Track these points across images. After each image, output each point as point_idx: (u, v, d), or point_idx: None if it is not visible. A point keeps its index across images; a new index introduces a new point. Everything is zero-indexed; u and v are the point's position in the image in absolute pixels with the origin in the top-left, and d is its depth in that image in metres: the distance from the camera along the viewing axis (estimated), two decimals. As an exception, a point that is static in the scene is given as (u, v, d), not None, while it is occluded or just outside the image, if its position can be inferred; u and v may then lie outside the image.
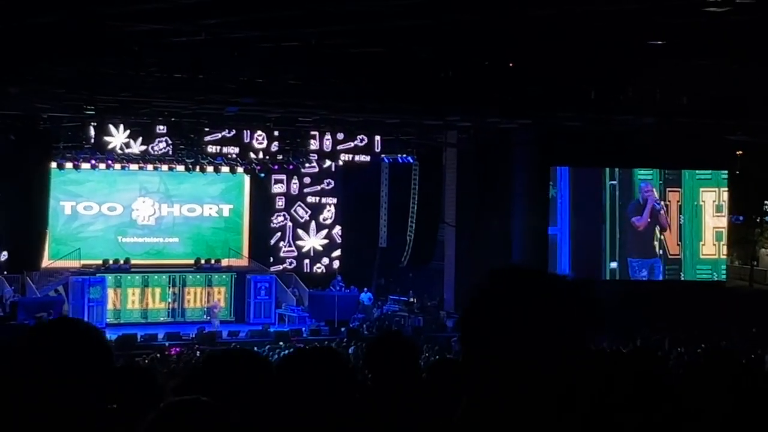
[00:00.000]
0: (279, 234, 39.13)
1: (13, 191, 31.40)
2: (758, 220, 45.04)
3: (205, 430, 2.68)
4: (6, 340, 3.42)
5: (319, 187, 39.33)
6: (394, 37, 21.39)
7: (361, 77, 24.73)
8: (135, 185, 37.36)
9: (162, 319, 35.63)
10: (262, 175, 37.90)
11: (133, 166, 35.59)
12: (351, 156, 34.91)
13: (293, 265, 38.93)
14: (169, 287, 36.06)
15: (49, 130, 31.17)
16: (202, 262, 36.67)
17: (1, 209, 31.89)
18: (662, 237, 35.52)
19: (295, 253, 39.17)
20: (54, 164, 33.14)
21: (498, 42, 22.28)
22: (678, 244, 35.62)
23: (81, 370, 2.77)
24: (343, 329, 33.18)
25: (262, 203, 38.94)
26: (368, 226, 39.48)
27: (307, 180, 39.06)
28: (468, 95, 26.02)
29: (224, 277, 36.90)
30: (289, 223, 39.20)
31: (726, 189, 35.87)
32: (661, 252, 35.50)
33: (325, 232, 39.55)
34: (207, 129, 32.52)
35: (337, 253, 39.58)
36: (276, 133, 33.27)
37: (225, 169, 36.43)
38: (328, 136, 34.02)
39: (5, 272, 33.24)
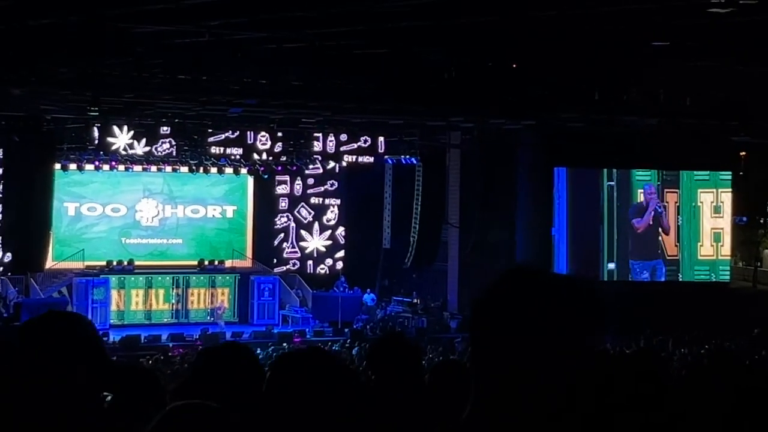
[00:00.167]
0: (282, 235, 39.12)
1: (17, 192, 31.42)
2: (762, 221, 44.96)
3: None
4: (9, 341, 3.41)
5: (322, 188, 39.32)
6: (397, 38, 21.38)
7: (364, 78, 24.73)
8: (138, 186, 37.39)
9: (166, 320, 35.69)
10: (266, 176, 37.90)
11: (137, 168, 35.60)
12: (354, 157, 34.91)
13: (296, 266, 38.91)
14: (173, 288, 36.10)
15: (53, 131, 31.19)
16: (206, 263, 36.69)
17: (4, 210, 31.93)
18: (660, 238, 35.49)
19: (299, 254, 39.16)
20: (58, 165, 33.15)
21: (501, 43, 22.27)
22: (676, 245, 35.61)
23: (71, 361, 2.75)
24: (346, 330, 33.21)
25: (265, 204, 38.95)
26: (372, 227, 39.48)
27: (310, 181, 39.05)
28: (471, 96, 26.01)
29: (228, 278, 36.94)
30: (293, 224, 39.19)
31: (725, 190, 35.84)
32: (659, 252, 35.50)
33: (328, 233, 39.54)
34: (210, 130, 32.56)
35: (340, 254, 39.57)
36: (279, 134, 33.31)
37: (228, 170, 36.44)
38: (331, 138, 34.04)
39: (9, 273, 33.27)
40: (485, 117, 30.63)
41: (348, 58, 23.16)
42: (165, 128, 31.78)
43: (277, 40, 21.72)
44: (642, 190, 35.32)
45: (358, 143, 34.49)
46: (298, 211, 39.19)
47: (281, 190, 38.94)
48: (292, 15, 18.82)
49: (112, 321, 33.93)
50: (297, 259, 39.11)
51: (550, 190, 34.39)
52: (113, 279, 34.71)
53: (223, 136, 32.77)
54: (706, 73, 24.52)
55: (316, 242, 39.38)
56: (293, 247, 39.17)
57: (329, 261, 39.45)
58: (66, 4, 18.03)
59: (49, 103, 27.75)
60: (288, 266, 38.78)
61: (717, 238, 35.93)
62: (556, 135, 32.15)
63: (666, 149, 32.40)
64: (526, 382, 2.14)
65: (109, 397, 4.19)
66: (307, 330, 33.66)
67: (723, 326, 29.85)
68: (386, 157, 36.69)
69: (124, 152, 31.62)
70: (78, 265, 35.28)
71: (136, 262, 35.81)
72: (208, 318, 35.72)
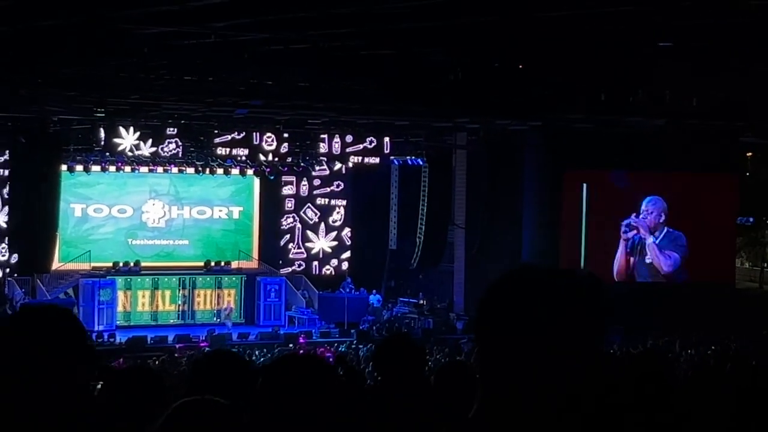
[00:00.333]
0: (288, 236, 39.13)
1: (24, 193, 31.45)
2: (768, 222, 44.91)
3: (216, 429, 2.69)
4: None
5: (328, 189, 39.31)
6: (403, 39, 21.37)
7: (369, 79, 24.73)
8: (145, 187, 37.41)
9: (172, 321, 35.71)
10: (272, 177, 37.91)
11: (143, 169, 35.62)
12: (360, 158, 34.90)
13: (302, 267, 38.92)
14: (179, 289, 36.12)
15: (59, 132, 31.20)
16: (212, 264, 36.71)
17: (11, 212, 31.99)
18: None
19: (304, 255, 39.16)
20: (64, 167, 33.17)
21: (507, 43, 22.25)
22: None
23: (51, 355, 2.73)
24: (352, 331, 33.20)
25: (271, 205, 38.95)
26: (378, 228, 39.48)
27: (316, 182, 39.06)
28: (477, 97, 26.01)
29: (234, 279, 36.95)
30: (299, 225, 39.19)
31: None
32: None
33: (334, 233, 39.54)
34: (216, 131, 32.57)
35: (346, 254, 39.57)
36: (285, 135, 33.31)
37: (235, 171, 36.46)
38: (337, 139, 34.03)
39: (16, 275, 33.33)
40: (491, 118, 30.62)
41: (354, 60, 23.15)
42: (171, 129, 31.79)
43: (282, 42, 21.71)
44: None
45: (364, 144, 34.48)
46: (304, 212, 39.19)
47: (287, 191, 38.95)
48: (297, 16, 18.82)
49: (118, 322, 33.97)
50: (302, 259, 39.11)
51: (556, 190, 34.34)
52: (120, 280, 34.74)
53: (229, 137, 32.78)
54: (713, 74, 24.48)
55: (322, 243, 39.38)
56: (299, 248, 39.18)
57: (335, 262, 39.45)
58: (71, 5, 18.04)
59: (56, 104, 27.78)
60: (294, 267, 38.78)
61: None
62: (562, 136, 32.10)
63: (675, 150, 32.32)
64: (532, 382, 2.14)
65: (99, 385, 4.19)
66: (313, 331, 33.66)
67: (729, 327, 29.81)
68: (392, 158, 36.68)
69: (130, 153, 31.64)
70: (84, 266, 35.31)
71: (143, 263, 35.83)
72: (215, 319, 35.72)
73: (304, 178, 38.84)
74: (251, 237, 39.22)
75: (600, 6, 18.31)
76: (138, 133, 31.07)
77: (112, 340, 31.30)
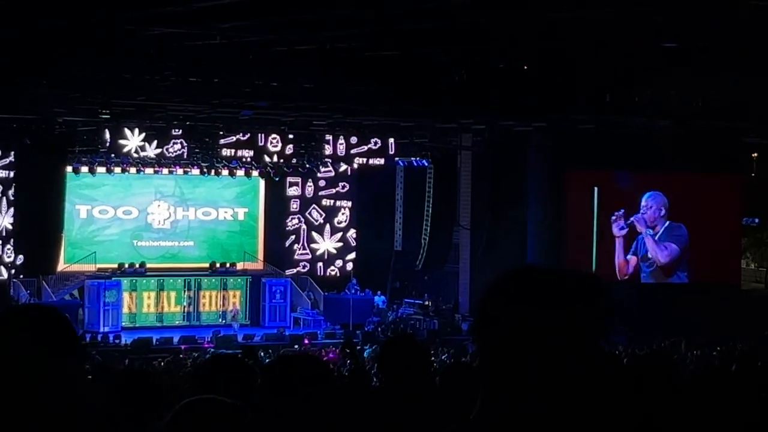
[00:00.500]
0: (293, 237, 39.14)
1: (29, 195, 31.51)
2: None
3: (222, 428, 2.69)
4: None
5: (333, 190, 39.32)
6: (408, 40, 21.38)
7: (374, 80, 24.72)
8: (150, 189, 37.43)
9: (177, 322, 35.73)
10: (277, 178, 37.92)
11: (149, 170, 35.64)
12: (365, 159, 34.91)
13: (307, 269, 38.91)
14: (185, 291, 36.15)
15: (65, 134, 31.26)
16: (217, 265, 36.73)
17: (17, 213, 32.03)
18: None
19: (310, 256, 39.17)
20: (69, 168, 33.24)
21: (512, 44, 22.24)
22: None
23: (40, 348, 2.71)
24: (358, 332, 33.19)
25: (276, 206, 38.95)
26: (383, 229, 39.47)
27: (321, 183, 39.06)
28: (482, 98, 26.00)
29: (239, 280, 36.96)
30: (304, 226, 39.20)
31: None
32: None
33: (339, 235, 39.54)
34: (222, 132, 32.61)
35: (351, 256, 39.56)
36: (290, 136, 33.35)
37: (240, 172, 36.48)
38: (342, 140, 34.03)
39: (21, 276, 33.35)
40: (496, 119, 30.62)
41: (359, 61, 23.17)
42: (176, 131, 31.82)
43: (288, 43, 21.74)
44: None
45: (369, 145, 34.48)
46: (310, 213, 39.20)
47: (292, 192, 38.96)
48: (302, 18, 18.83)
49: (123, 323, 34.01)
50: (307, 261, 39.11)
51: (560, 191, 34.31)
52: (125, 281, 34.78)
53: (234, 139, 32.82)
54: (718, 75, 24.46)
55: (327, 244, 39.38)
56: (304, 249, 39.18)
57: (340, 263, 39.45)
58: (77, 6, 18.07)
59: (61, 106, 27.80)
60: (299, 268, 38.79)
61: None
62: (566, 137, 32.07)
63: (681, 151, 32.25)
64: (533, 383, 2.14)
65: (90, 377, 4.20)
66: (318, 332, 33.66)
67: (735, 328, 29.76)
68: (397, 159, 36.68)
69: (135, 155, 31.67)
70: (90, 267, 35.35)
71: (148, 265, 35.86)
72: (220, 320, 35.75)
73: (309, 180, 38.84)
74: (256, 238, 39.23)
75: (604, 7, 18.31)
76: (143, 135, 31.09)
77: (117, 341, 31.33)
